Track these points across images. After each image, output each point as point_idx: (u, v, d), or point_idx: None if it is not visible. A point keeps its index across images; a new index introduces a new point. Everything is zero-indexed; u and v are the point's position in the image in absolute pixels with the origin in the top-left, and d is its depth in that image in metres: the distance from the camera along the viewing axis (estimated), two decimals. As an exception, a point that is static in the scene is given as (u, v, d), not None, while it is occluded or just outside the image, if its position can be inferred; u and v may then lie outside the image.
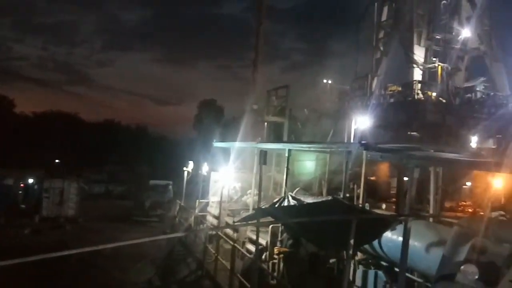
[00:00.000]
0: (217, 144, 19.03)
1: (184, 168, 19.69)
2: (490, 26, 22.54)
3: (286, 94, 22.05)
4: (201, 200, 18.35)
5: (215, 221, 16.29)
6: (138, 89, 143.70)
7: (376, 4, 24.21)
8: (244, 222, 12.07)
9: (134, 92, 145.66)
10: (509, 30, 23.99)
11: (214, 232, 13.62)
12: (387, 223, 7.37)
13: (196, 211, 17.80)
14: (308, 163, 18.33)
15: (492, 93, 20.40)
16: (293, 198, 10.60)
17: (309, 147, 14.22)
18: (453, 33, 21.83)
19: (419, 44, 22.11)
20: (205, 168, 19.09)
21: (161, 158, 50.52)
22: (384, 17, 24.17)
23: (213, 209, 17.08)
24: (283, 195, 11.56)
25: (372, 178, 15.33)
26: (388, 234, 8.06)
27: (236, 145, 16.48)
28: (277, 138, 21.68)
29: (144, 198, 31.66)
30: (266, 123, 22.49)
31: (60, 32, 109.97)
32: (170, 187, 33.89)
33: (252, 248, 11.94)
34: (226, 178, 15.31)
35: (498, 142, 17.80)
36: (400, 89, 20.30)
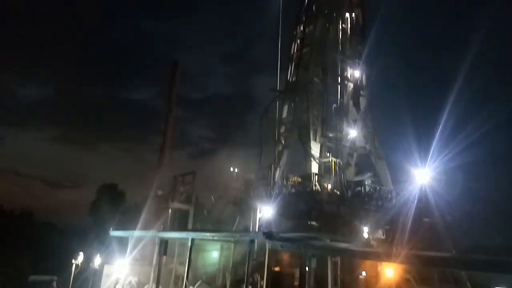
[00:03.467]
0: (114, 233, 17.53)
1: (73, 261, 17.47)
2: (373, 128, 26.02)
3: (192, 180, 21.86)
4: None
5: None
6: (29, 169, 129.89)
7: (277, 102, 26.61)
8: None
9: (23, 173, 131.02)
10: (390, 132, 27.87)
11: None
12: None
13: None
14: (213, 254, 17.68)
15: (378, 187, 22.78)
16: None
17: (213, 236, 13.83)
18: (343, 133, 24.68)
19: (315, 140, 24.40)
20: (97, 261, 17.16)
21: (47, 249, 44.38)
22: (284, 114, 26.52)
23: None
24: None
25: (277, 268, 15.21)
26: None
27: (136, 234, 15.33)
28: (182, 226, 20.83)
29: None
30: (170, 210, 21.64)
31: None
32: (54, 283, 29.34)
33: None
34: (121, 271, 13.86)
35: (387, 233, 19.31)
36: (300, 180, 21.59)
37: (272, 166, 23.90)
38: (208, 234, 13.94)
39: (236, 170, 25.30)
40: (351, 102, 25.93)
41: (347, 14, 26.58)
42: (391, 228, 18.89)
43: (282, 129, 26.21)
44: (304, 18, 26.67)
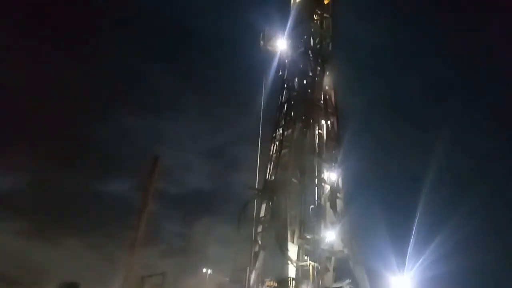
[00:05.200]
0: None
1: None
2: (350, 232, 25.86)
3: (161, 282, 20.52)
4: None
5: None
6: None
7: (255, 200, 26.59)
8: None
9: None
10: (368, 236, 27.72)
11: None
12: None
13: None
14: None
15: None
16: None
17: None
18: (321, 235, 24.38)
19: (292, 242, 23.89)
20: None
21: None
22: (262, 213, 26.29)
23: None
24: None
25: None
26: None
27: None
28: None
29: None
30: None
31: None
32: None
33: None
34: None
35: None
36: (276, 285, 20.58)
37: (248, 268, 22.90)
38: None
39: (209, 271, 24.07)
40: (328, 204, 26.15)
41: (323, 121, 28.32)
42: None
43: (259, 229, 25.74)
44: (283, 123, 28.20)
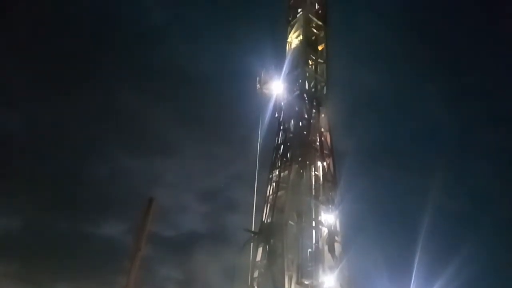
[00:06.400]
0: None
1: None
2: (349, 278, 25.11)
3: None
4: None
5: None
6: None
7: (252, 243, 25.98)
8: None
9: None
10: (368, 281, 26.93)
11: None
12: None
13: None
14: None
15: None
16: None
17: None
18: (319, 280, 23.63)
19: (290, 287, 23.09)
20: None
21: None
22: (258, 257, 25.60)
23: None
24: None
25: None
26: None
27: None
28: None
29: None
30: None
31: None
32: None
33: None
34: None
35: None
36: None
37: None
38: None
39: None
40: (326, 248, 25.59)
41: (319, 163, 28.37)
42: None
43: (255, 274, 24.96)
44: (279, 164, 28.21)
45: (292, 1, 32.91)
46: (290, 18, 32.38)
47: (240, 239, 26.52)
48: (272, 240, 25.32)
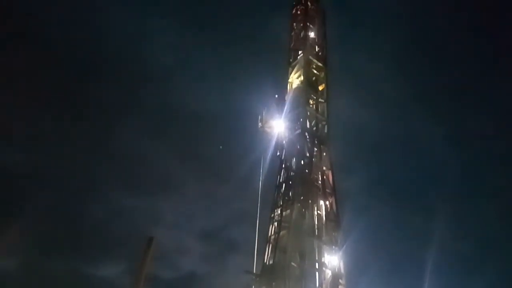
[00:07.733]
0: None
1: None
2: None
3: None
4: None
5: None
6: None
7: (253, 286, 25.10)
8: None
9: None
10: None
11: None
12: None
13: None
14: None
15: None
16: None
17: None
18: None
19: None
20: None
21: None
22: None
23: None
24: None
25: None
26: None
27: None
28: None
29: None
30: None
31: None
32: None
33: None
34: None
35: None
36: None
37: None
38: None
39: None
40: (330, 291, 24.73)
41: (322, 202, 28.03)
42: None
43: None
44: (281, 203, 27.85)
45: (293, 44, 33.94)
46: (291, 60, 33.22)
47: (241, 281, 25.71)
48: (274, 283, 24.50)
